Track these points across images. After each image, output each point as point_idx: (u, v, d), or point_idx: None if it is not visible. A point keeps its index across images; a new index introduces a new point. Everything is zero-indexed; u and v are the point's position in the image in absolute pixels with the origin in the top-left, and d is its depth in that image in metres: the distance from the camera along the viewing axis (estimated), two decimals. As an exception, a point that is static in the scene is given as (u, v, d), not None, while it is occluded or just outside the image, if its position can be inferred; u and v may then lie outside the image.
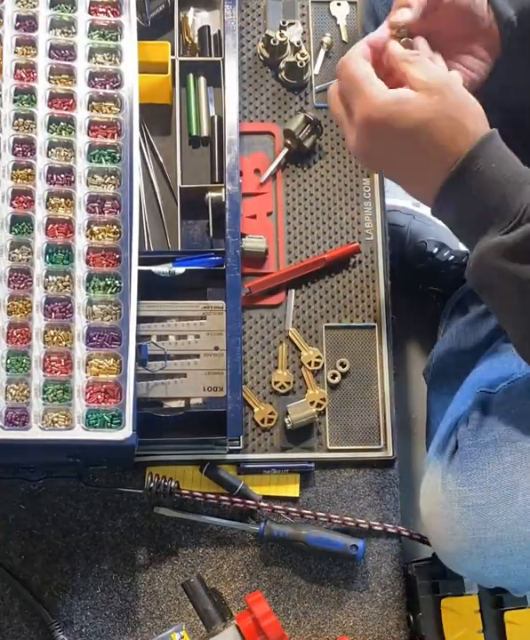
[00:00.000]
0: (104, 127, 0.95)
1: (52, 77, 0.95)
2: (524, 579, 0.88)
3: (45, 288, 0.90)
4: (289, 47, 1.13)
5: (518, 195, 0.73)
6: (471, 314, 1.12)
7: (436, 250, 1.23)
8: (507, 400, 0.91)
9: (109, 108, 0.95)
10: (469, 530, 0.85)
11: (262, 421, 1.05)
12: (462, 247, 1.24)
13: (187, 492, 1.00)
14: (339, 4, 1.17)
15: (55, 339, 0.90)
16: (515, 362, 0.95)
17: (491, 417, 0.89)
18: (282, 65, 1.13)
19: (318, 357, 1.06)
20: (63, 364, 0.89)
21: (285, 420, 1.03)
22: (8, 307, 0.89)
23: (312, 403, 1.05)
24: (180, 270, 1.01)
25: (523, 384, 0.92)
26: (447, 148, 0.74)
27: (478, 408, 0.91)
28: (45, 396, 0.88)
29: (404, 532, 1.03)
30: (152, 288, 0.96)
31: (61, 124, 0.94)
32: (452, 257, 1.22)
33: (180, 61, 1.10)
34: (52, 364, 0.89)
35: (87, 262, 0.91)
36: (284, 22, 1.12)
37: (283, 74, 1.14)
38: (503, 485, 0.84)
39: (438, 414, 1.03)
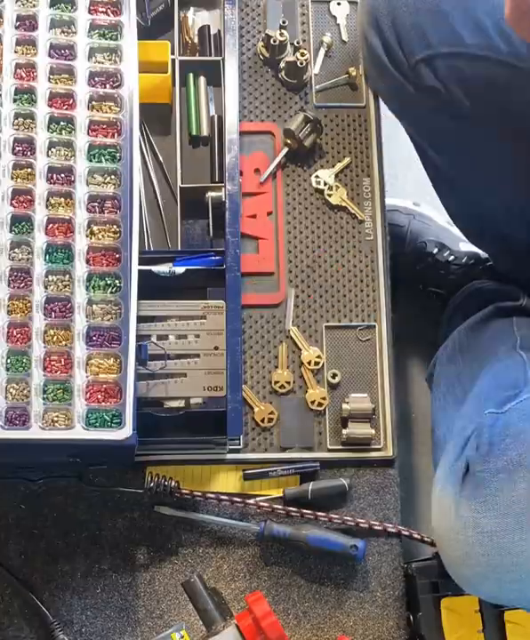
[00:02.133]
0: (104, 127, 0.95)
1: (52, 77, 0.95)
2: None
3: (45, 288, 0.90)
4: (289, 47, 1.13)
5: None
6: (473, 318, 1.12)
7: (436, 250, 1.23)
8: (516, 422, 0.88)
9: (109, 108, 0.95)
10: (483, 556, 0.84)
11: (262, 421, 1.05)
12: (462, 248, 1.24)
13: (187, 491, 1.00)
14: (339, 4, 1.17)
15: (55, 338, 0.90)
16: (520, 370, 0.94)
17: (501, 441, 0.87)
18: (282, 64, 1.13)
19: (318, 357, 1.06)
20: (63, 363, 0.89)
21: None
22: (8, 306, 0.89)
23: (313, 402, 1.05)
24: (180, 270, 1.01)
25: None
26: None
27: (487, 431, 0.89)
28: (45, 396, 0.88)
29: (404, 532, 1.03)
30: (152, 288, 0.96)
31: (61, 123, 0.94)
32: (452, 257, 1.22)
33: (180, 61, 1.10)
34: (52, 363, 0.89)
35: (87, 262, 0.91)
36: (284, 22, 1.12)
37: (283, 73, 1.14)
38: (517, 512, 0.82)
39: (443, 426, 1.03)
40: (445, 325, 1.18)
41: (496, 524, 0.83)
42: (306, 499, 1.02)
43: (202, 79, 1.11)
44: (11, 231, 0.91)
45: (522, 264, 1.09)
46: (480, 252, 1.22)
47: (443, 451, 0.95)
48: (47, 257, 0.91)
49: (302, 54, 1.11)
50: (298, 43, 1.12)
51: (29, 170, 0.92)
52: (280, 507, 1.01)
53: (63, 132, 0.94)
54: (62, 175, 0.93)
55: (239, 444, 1.04)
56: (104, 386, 0.89)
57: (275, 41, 1.12)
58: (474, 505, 0.85)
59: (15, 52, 0.95)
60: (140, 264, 0.92)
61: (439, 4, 0.96)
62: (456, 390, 1.01)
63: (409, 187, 1.31)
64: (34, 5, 0.96)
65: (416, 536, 1.02)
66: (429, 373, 1.13)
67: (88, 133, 0.94)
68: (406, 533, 1.03)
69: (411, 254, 1.24)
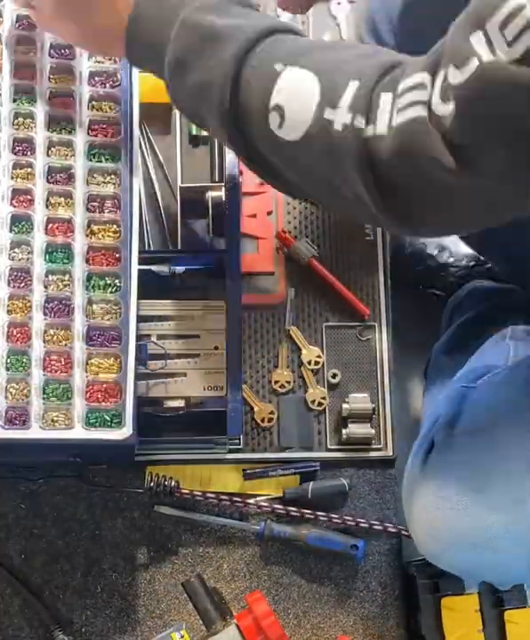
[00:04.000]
0: (104, 126, 0.95)
1: (51, 76, 0.95)
2: (506, 571, 0.88)
3: (45, 287, 0.90)
4: (289, 46, 1.13)
5: None
6: (470, 314, 1.12)
7: (436, 252, 1.23)
8: (483, 392, 0.90)
9: (109, 107, 0.95)
10: (444, 520, 0.85)
11: (262, 420, 1.05)
12: (462, 250, 1.24)
13: (187, 491, 1.00)
14: (339, 3, 1.16)
15: (55, 338, 0.89)
16: (503, 355, 0.95)
17: (466, 410, 0.89)
18: (282, 64, 1.13)
19: (318, 357, 1.06)
20: (63, 363, 0.89)
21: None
22: (8, 306, 0.89)
23: (313, 402, 1.05)
24: (180, 269, 1.01)
25: (501, 376, 0.91)
26: None
27: (456, 403, 0.91)
28: (45, 396, 0.88)
29: (404, 532, 1.02)
30: (152, 287, 0.96)
31: (61, 123, 0.94)
32: (452, 259, 1.22)
33: (180, 61, 1.09)
34: (52, 363, 0.89)
35: (87, 261, 0.91)
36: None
37: (283, 73, 1.13)
38: (476, 474, 0.83)
39: (431, 417, 1.03)
40: (444, 325, 1.18)
41: (456, 486, 0.84)
42: (306, 498, 1.02)
43: (202, 79, 1.11)
44: (11, 231, 0.91)
45: (521, 270, 1.09)
46: None
47: None
48: (47, 256, 0.91)
49: (302, 54, 1.11)
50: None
51: (29, 169, 0.92)
52: (280, 506, 1.01)
53: (63, 131, 0.94)
54: (62, 175, 0.93)
55: (239, 444, 1.04)
56: (104, 385, 0.89)
57: (275, 41, 1.11)
58: (434, 472, 0.86)
59: (15, 51, 0.94)
60: (140, 264, 0.92)
61: (437, 10, 0.96)
62: (446, 384, 1.02)
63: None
64: (34, 5, 0.95)
65: (416, 536, 1.02)
66: (426, 369, 1.14)
67: (88, 133, 0.94)
68: (406, 533, 1.02)
69: (411, 255, 1.24)
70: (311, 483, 1.02)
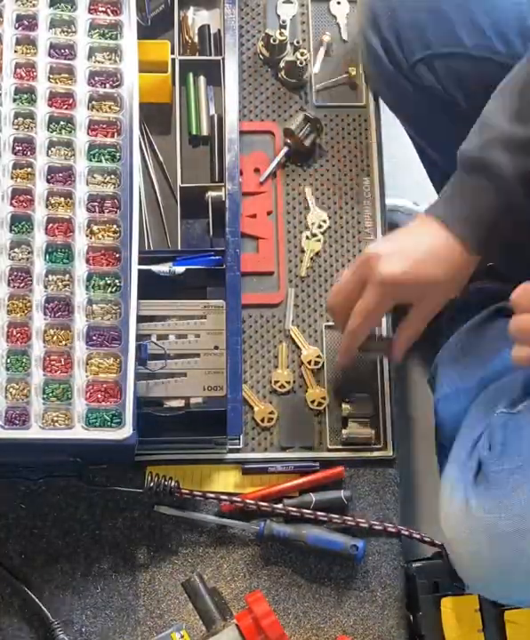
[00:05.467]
0: (104, 126, 0.95)
1: (51, 76, 0.95)
2: None
3: (45, 287, 0.90)
4: (289, 46, 1.13)
5: None
6: (475, 319, 1.11)
7: None
8: (529, 423, 0.87)
9: (109, 107, 0.95)
10: (496, 558, 0.83)
11: (262, 420, 1.05)
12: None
13: (187, 491, 1.00)
14: (338, 3, 1.16)
15: (55, 338, 0.90)
16: (528, 369, 0.94)
17: (516, 440, 0.86)
18: (282, 64, 1.13)
19: (318, 357, 1.06)
20: (63, 363, 0.89)
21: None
22: (8, 306, 0.89)
23: (313, 402, 1.05)
24: (180, 269, 1.01)
25: None
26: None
27: (501, 431, 0.88)
28: (45, 396, 0.88)
29: (404, 532, 1.02)
30: (152, 287, 0.96)
31: (61, 123, 0.94)
32: None
33: (180, 60, 1.10)
34: (52, 363, 0.89)
35: (87, 261, 0.91)
36: (284, 21, 1.12)
37: (283, 73, 1.14)
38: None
39: (448, 425, 1.02)
40: (445, 326, 1.17)
41: (511, 525, 0.81)
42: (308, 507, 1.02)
43: (202, 79, 1.11)
44: (11, 231, 0.91)
45: (523, 265, 1.09)
46: None
47: (449, 450, 0.94)
48: (47, 256, 0.91)
49: (302, 54, 1.11)
50: (298, 42, 1.12)
51: (29, 169, 0.92)
52: (280, 506, 1.01)
53: (63, 131, 0.94)
54: (62, 175, 0.93)
55: (239, 444, 1.04)
56: (104, 385, 0.89)
57: (275, 40, 1.12)
58: (488, 506, 0.83)
59: (15, 51, 0.94)
60: (139, 264, 0.92)
61: (438, 3, 0.96)
62: (460, 391, 1.01)
63: (409, 187, 1.31)
64: (34, 5, 0.96)
65: (416, 536, 1.02)
66: (431, 375, 1.13)
67: (88, 133, 0.94)
68: (406, 533, 1.03)
69: None
70: (312, 494, 1.02)
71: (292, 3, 1.15)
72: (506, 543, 0.82)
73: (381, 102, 1.13)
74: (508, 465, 0.84)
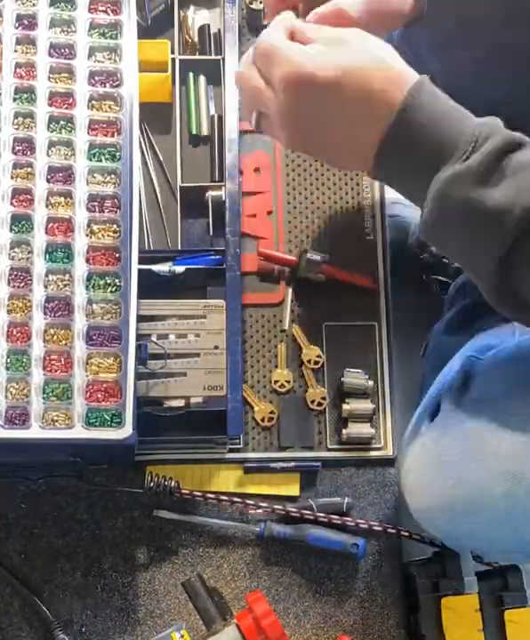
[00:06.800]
0: (104, 126, 0.95)
1: (51, 76, 0.95)
2: (491, 542, 0.88)
3: (45, 287, 0.90)
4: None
5: (466, 120, 0.69)
6: (473, 297, 1.11)
7: None
8: (493, 363, 0.89)
9: (109, 107, 0.95)
10: (441, 485, 0.85)
11: (262, 420, 1.05)
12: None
13: (187, 491, 1.00)
14: (339, 3, 1.16)
15: (55, 337, 0.89)
16: (509, 333, 0.94)
17: (476, 379, 0.88)
18: (282, 64, 1.13)
19: (319, 356, 1.06)
20: (63, 362, 0.89)
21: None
22: (8, 305, 0.89)
23: (313, 401, 1.05)
24: (180, 269, 1.01)
25: (508, 351, 0.90)
26: (381, 93, 0.70)
27: (465, 372, 0.90)
28: (45, 395, 0.88)
29: (404, 532, 1.02)
30: (152, 287, 0.96)
31: (61, 122, 0.94)
32: None
33: (181, 60, 1.10)
34: (52, 362, 0.89)
35: (87, 261, 0.91)
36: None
37: (283, 73, 1.13)
38: (476, 443, 0.83)
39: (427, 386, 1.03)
40: (446, 309, 1.18)
41: (456, 453, 0.84)
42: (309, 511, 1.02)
43: (202, 78, 1.11)
44: (11, 230, 0.91)
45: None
46: None
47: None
48: (47, 256, 0.91)
49: (302, 53, 1.11)
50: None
51: (29, 169, 0.92)
52: (280, 506, 1.01)
53: (63, 131, 0.94)
54: (62, 174, 0.93)
55: (239, 444, 1.04)
56: (104, 385, 0.89)
57: (275, 40, 1.11)
58: (438, 434, 0.87)
59: (15, 51, 0.94)
60: (140, 263, 0.92)
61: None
62: (447, 359, 1.01)
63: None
64: (34, 4, 0.96)
65: (416, 536, 1.02)
66: (424, 348, 1.13)
67: (88, 132, 0.94)
68: (406, 533, 1.02)
69: (414, 245, 1.24)
70: (311, 500, 1.02)
71: (292, 2, 1.15)
72: (449, 469, 0.85)
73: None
74: (463, 399, 0.87)
